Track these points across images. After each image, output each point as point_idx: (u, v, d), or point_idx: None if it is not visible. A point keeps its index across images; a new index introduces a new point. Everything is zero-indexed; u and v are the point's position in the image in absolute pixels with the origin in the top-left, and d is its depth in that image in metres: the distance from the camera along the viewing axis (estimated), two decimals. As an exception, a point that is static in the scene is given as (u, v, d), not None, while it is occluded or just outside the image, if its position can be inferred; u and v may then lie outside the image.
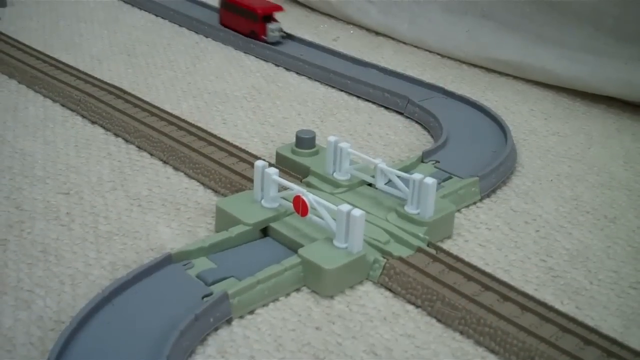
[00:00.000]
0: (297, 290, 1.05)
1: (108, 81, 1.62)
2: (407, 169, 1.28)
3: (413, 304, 1.03)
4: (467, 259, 1.09)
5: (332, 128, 1.53)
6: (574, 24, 1.75)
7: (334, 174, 1.24)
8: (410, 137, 1.52)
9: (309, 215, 1.08)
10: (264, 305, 1.01)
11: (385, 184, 1.20)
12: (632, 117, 1.68)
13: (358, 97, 1.68)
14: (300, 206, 1.09)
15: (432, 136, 1.52)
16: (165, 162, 1.35)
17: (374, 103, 1.66)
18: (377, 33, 2.10)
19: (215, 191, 1.27)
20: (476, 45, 1.90)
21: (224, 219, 1.14)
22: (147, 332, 0.91)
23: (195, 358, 0.92)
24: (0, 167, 1.31)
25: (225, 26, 1.97)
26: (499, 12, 1.86)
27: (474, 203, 1.29)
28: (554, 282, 1.10)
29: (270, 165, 1.19)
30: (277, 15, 1.93)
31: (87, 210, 1.20)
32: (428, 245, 1.11)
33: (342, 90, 1.71)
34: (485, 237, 1.20)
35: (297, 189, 1.10)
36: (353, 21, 2.16)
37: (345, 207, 1.04)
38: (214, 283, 1.00)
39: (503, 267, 1.13)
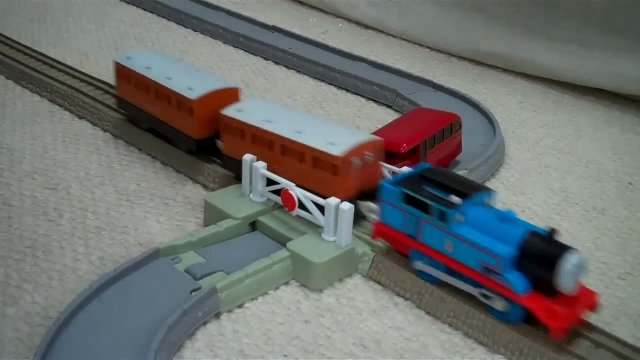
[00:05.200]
0: (286, 284, 1.05)
1: (96, 76, 1.61)
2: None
3: (402, 297, 1.03)
4: (456, 252, 1.09)
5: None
6: (563, 16, 1.75)
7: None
8: (399, 131, 1.52)
9: (297, 209, 1.08)
10: (253, 299, 1.01)
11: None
12: (620, 109, 1.68)
13: (347, 90, 1.68)
14: (288, 200, 1.09)
15: (421, 129, 1.51)
16: (154, 157, 1.35)
17: (363, 96, 1.66)
18: (367, 27, 2.10)
19: (204, 186, 1.27)
20: (465, 39, 1.90)
21: (212, 214, 1.13)
22: (136, 327, 0.90)
23: (184, 353, 0.92)
24: (-12, 163, 1.30)
25: None
26: (488, 5, 1.86)
27: (463, 196, 1.28)
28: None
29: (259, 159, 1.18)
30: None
31: (76, 206, 1.19)
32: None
33: (331, 84, 1.71)
34: (474, 230, 1.20)
35: (285, 183, 1.10)
36: (342, 15, 2.16)
37: (333, 200, 1.04)
38: (202, 277, 1.00)
39: (492, 260, 1.13)
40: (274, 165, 1.12)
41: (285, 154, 1.12)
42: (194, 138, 1.25)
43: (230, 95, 1.27)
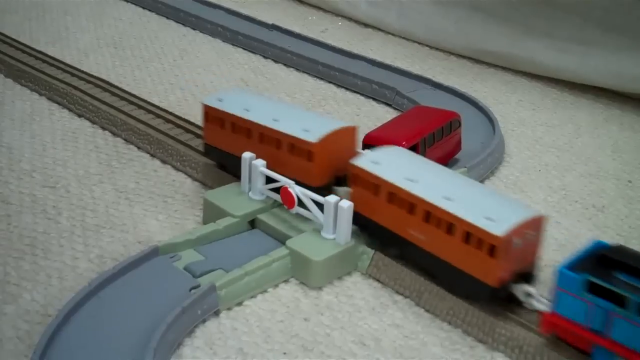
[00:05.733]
0: (286, 281, 1.04)
1: (95, 74, 1.61)
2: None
3: (401, 294, 1.03)
4: (455, 249, 1.09)
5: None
6: (562, 15, 1.75)
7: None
8: (398, 129, 1.51)
9: (296, 207, 1.08)
10: (252, 297, 1.01)
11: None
12: (620, 107, 1.68)
13: (346, 88, 1.68)
14: (287, 198, 1.08)
15: (420, 127, 1.51)
16: (152, 155, 1.34)
17: (362, 94, 1.66)
18: (366, 25, 2.10)
19: (203, 183, 1.27)
20: (464, 37, 1.89)
21: (211, 211, 1.13)
22: (134, 325, 0.90)
23: (183, 350, 0.92)
24: (-13, 161, 1.30)
25: None
26: (488, 4, 1.86)
27: (463, 194, 1.28)
28: (543, 271, 1.09)
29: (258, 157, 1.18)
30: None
31: (74, 204, 1.19)
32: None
33: (330, 82, 1.71)
34: (473, 228, 1.20)
35: (284, 180, 1.10)
36: (341, 13, 2.15)
37: (332, 197, 1.04)
38: (201, 275, 1.00)
39: (491, 257, 1.13)
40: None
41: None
42: (313, 185, 1.10)
43: (349, 135, 1.14)
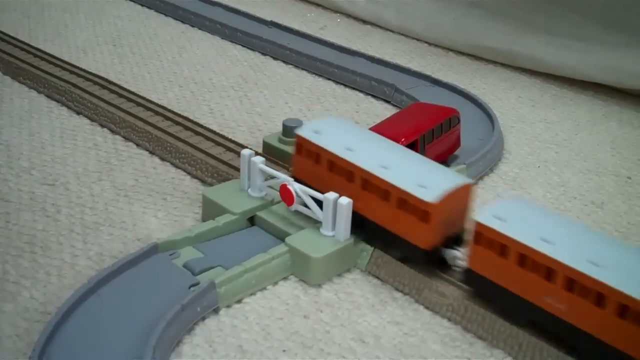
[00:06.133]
0: (285, 278, 1.04)
1: (94, 72, 1.61)
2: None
3: (401, 291, 1.03)
4: (454, 246, 1.09)
5: (319, 116, 1.52)
6: (562, 11, 1.75)
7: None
8: (397, 125, 1.51)
9: (295, 204, 1.08)
10: (251, 294, 1.01)
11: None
12: (619, 103, 1.68)
13: (345, 85, 1.68)
14: (286, 195, 1.08)
15: (419, 124, 1.51)
16: (151, 152, 1.34)
17: (361, 91, 1.65)
18: (365, 21, 2.10)
19: (202, 181, 1.26)
20: (463, 33, 1.89)
21: (210, 209, 1.13)
22: (134, 322, 0.90)
23: (183, 348, 0.92)
24: (-15, 159, 1.30)
25: None
26: (487, 0, 1.86)
27: (462, 190, 1.28)
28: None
29: (257, 154, 1.18)
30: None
31: (73, 201, 1.19)
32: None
33: (329, 79, 1.71)
34: (473, 224, 1.20)
35: (283, 177, 1.10)
36: (340, 9, 2.15)
37: (331, 194, 1.04)
38: (200, 272, 1.00)
39: (491, 254, 1.12)
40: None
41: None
42: (423, 248, 1.00)
43: (465, 192, 1.03)
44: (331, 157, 1.07)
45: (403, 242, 1.01)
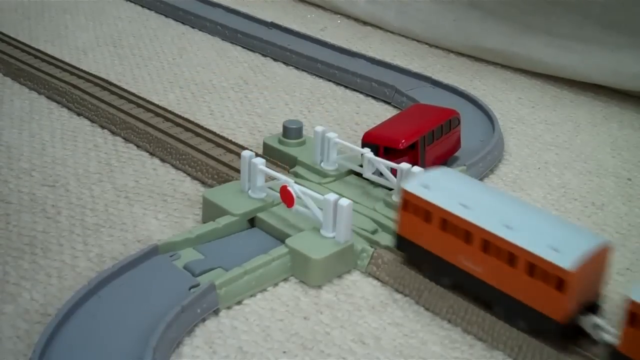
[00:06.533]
0: (285, 280, 1.04)
1: (94, 73, 1.61)
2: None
3: (401, 293, 1.03)
4: (454, 248, 1.09)
5: (320, 118, 1.53)
6: (561, 12, 1.75)
7: (322, 163, 1.24)
8: (398, 127, 1.51)
9: (296, 205, 1.08)
10: (251, 296, 1.01)
11: (373, 173, 1.19)
12: (619, 104, 1.68)
13: (345, 86, 1.68)
14: (286, 197, 1.08)
15: (419, 125, 1.51)
16: (152, 154, 1.34)
17: (361, 93, 1.66)
18: (365, 23, 2.10)
19: (202, 182, 1.27)
20: (464, 34, 1.89)
21: (211, 210, 1.13)
22: (134, 324, 0.90)
23: (183, 349, 0.92)
24: (-14, 160, 1.30)
25: None
26: (487, 1, 1.86)
27: (462, 192, 1.28)
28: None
29: (257, 155, 1.18)
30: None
31: (74, 203, 1.19)
32: (416, 234, 1.10)
33: (329, 80, 1.71)
34: (473, 226, 1.20)
35: (283, 179, 1.10)
36: (340, 11, 2.15)
37: (332, 196, 1.04)
38: (201, 274, 1.00)
39: (491, 255, 1.12)
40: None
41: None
42: (558, 321, 0.89)
43: (603, 255, 0.92)
44: (444, 214, 0.97)
45: (532, 313, 0.90)
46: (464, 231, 0.95)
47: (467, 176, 1.10)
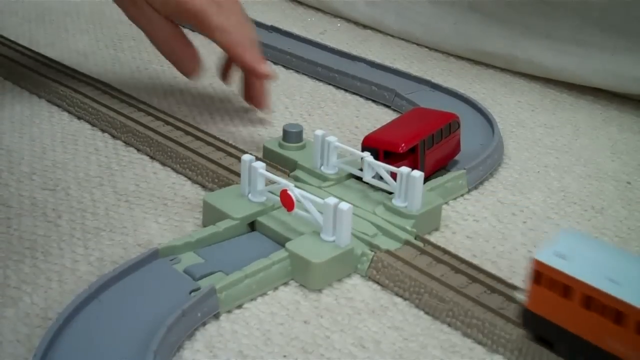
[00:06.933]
0: (285, 284, 1.05)
1: (94, 76, 1.61)
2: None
3: (401, 296, 1.03)
4: (454, 251, 1.09)
5: (320, 121, 1.53)
6: (561, 15, 1.75)
7: (322, 167, 1.24)
8: (397, 130, 1.51)
9: (296, 209, 1.08)
10: (252, 300, 1.01)
11: (373, 177, 1.20)
12: (619, 108, 1.68)
13: (345, 90, 1.68)
14: (286, 200, 1.09)
15: (419, 129, 1.51)
16: (152, 158, 1.35)
17: (361, 96, 1.66)
18: (365, 26, 2.10)
19: (203, 186, 1.27)
20: (463, 38, 1.90)
21: (211, 214, 1.13)
22: (134, 328, 0.90)
23: (183, 353, 0.92)
24: (-14, 164, 1.30)
25: None
26: (487, 4, 1.86)
27: (462, 195, 1.29)
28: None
29: (258, 159, 1.19)
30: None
31: (74, 206, 1.19)
32: (415, 238, 1.11)
33: (329, 84, 1.71)
34: (472, 229, 1.20)
35: (283, 182, 1.10)
36: (340, 14, 2.16)
37: (332, 200, 1.04)
38: (201, 278, 1.00)
39: (490, 259, 1.13)
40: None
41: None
42: None
43: None
44: (589, 291, 0.84)
45: None
46: (615, 310, 0.83)
47: (603, 241, 1.00)
